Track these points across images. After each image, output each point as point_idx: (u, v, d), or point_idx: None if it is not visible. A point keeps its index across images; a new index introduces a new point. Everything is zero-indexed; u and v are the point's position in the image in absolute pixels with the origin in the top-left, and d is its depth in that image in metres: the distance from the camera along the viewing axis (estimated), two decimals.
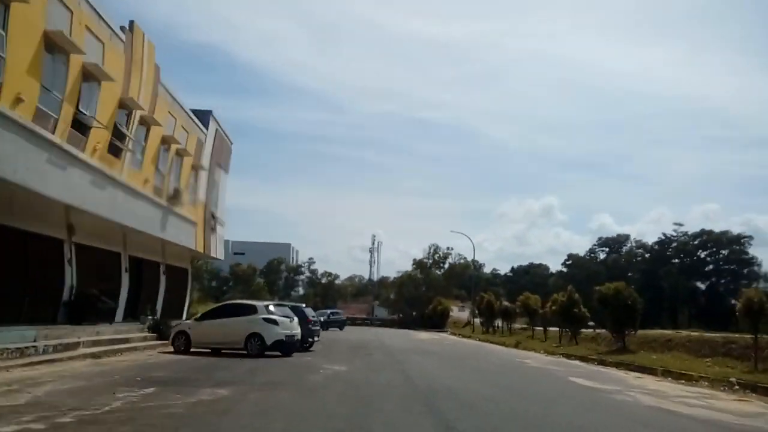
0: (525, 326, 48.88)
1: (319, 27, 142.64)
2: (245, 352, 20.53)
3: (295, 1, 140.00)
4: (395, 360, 21.98)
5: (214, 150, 33.66)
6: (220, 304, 24.15)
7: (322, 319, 54.30)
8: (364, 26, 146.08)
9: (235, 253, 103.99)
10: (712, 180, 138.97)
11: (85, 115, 18.35)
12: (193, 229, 30.53)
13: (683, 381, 17.79)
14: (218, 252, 35.72)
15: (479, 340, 47.18)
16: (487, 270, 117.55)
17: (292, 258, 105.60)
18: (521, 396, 12.81)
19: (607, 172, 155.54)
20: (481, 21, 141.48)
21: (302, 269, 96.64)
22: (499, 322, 52.48)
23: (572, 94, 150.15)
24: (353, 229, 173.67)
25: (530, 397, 12.80)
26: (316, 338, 26.60)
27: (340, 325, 57.01)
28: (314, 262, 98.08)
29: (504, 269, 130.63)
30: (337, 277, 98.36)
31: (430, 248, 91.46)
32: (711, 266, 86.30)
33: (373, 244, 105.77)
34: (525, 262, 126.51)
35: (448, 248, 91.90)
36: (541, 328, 41.86)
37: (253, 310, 21.37)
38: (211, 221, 33.95)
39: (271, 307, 21.91)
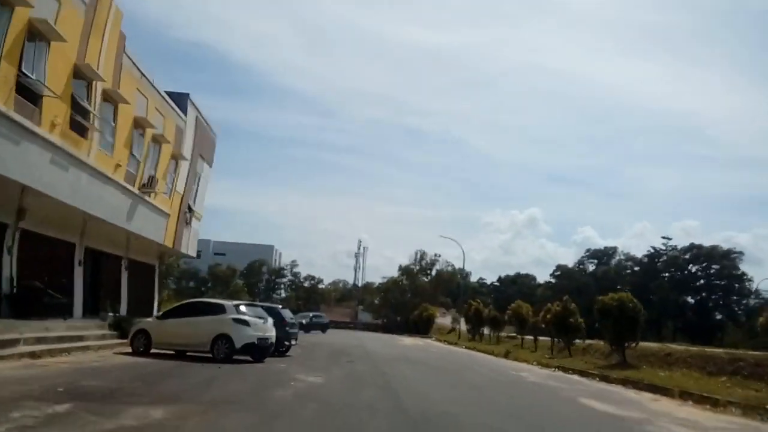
0: (512, 335, 46.73)
1: (312, 30, 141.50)
2: (211, 355, 18.02)
3: (289, 3, 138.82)
4: (379, 371, 19.46)
5: (196, 139, 31.09)
6: (186, 301, 21.56)
7: (303, 321, 51.92)
8: (357, 31, 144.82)
9: (216, 254, 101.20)
10: (694, 197, 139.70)
11: (30, 78, 15.76)
12: (164, 221, 27.92)
13: (708, 406, 15.38)
14: (190, 248, 33.04)
15: (466, 347, 44.76)
16: (473, 279, 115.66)
17: (275, 260, 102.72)
18: (538, 430, 10.37)
19: (592, 187, 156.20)
20: (474, 30, 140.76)
21: (284, 272, 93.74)
22: (485, 330, 50.28)
23: (562, 106, 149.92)
24: (339, 235, 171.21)
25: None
26: (293, 342, 24.08)
27: (323, 327, 54.46)
28: (297, 265, 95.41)
29: (490, 278, 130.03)
30: (320, 281, 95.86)
31: (416, 254, 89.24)
32: (702, 281, 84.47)
33: (359, 249, 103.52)
34: (511, 272, 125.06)
35: (435, 255, 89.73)
36: (531, 338, 39.70)
37: (221, 309, 18.86)
38: (186, 214, 31.36)
39: (242, 307, 19.40)
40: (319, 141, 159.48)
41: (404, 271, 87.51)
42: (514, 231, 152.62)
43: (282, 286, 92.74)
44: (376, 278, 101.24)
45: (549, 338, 35.76)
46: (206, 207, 34.64)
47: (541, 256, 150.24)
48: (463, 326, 66.06)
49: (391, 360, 25.26)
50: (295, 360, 20.90)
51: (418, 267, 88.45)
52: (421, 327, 72.88)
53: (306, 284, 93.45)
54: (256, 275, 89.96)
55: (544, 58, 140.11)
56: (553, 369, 27.47)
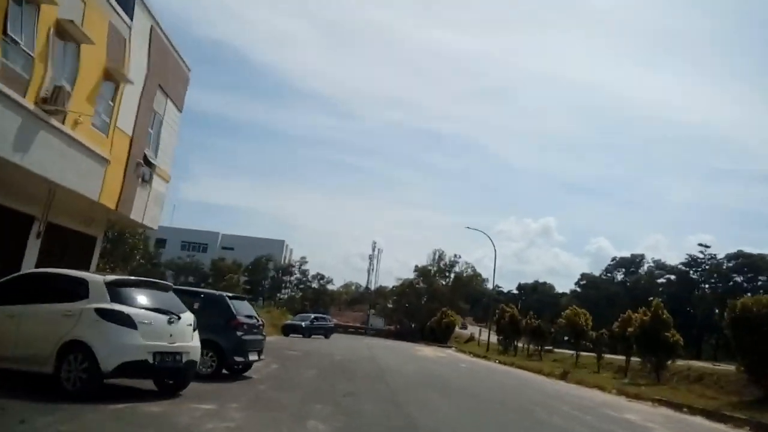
0: (548, 348, 37.08)
1: (334, 31, 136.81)
2: (65, 383, 8.33)
3: (310, 4, 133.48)
4: (402, 415, 9.81)
5: (153, 62, 21.39)
6: (21, 273, 10.75)
7: (303, 324, 42.10)
8: (378, 34, 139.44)
9: (224, 248, 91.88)
10: (709, 211, 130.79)
11: None
12: (100, 168, 18.27)
13: None
14: (149, 216, 23.20)
15: (499, 362, 34.89)
16: (488, 286, 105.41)
17: (285, 257, 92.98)
18: None
19: (608, 197, 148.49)
20: (496, 36, 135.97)
21: (292, 269, 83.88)
22: (521, 343, 40.58)
23: (581, 115, 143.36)
24: (353, 237, 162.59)
25: None
26: (255, 357, 13.75)
27: (327, 332, 44.60)
28: (306, 262, 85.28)
29: (505, 287, 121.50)
30: (330, 280, 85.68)
31: (434, 254, 79.21)
32: (749, 293, 73.53)
33: (373, 250, 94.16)
34: (526, 281, 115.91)
35: (455, 255, 79.74)
36: (588, 353, 29.95)
37: (78, 289, 8.83)
38: (141, 169, 21.63)
39: (128, 290, 9.22)
40: (337, 142, 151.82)
41: (421, 272, 77.55)
42: (528, 240, 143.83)
43: (288, 284, 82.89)
44: (389, 282, 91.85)
45: (621, 356, 26.30)
46: (169, 158, 25.03)
47: (555, 266, 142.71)
48: (482, 335, 56.39)
49: (417, 386, 15.48)
50: (247, 391, 11.24)
51: (435, 268, 78.45)
52: (440, 335, 62.95)
53: (314, 284, 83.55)
54: (261, 272, 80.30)
55: (564, 67, 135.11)
56: (652, 403, 17.77)
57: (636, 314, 26.16)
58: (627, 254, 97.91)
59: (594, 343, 28.56)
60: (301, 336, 40.40)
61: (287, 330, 40.79)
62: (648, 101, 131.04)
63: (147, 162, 22.43)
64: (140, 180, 21.92)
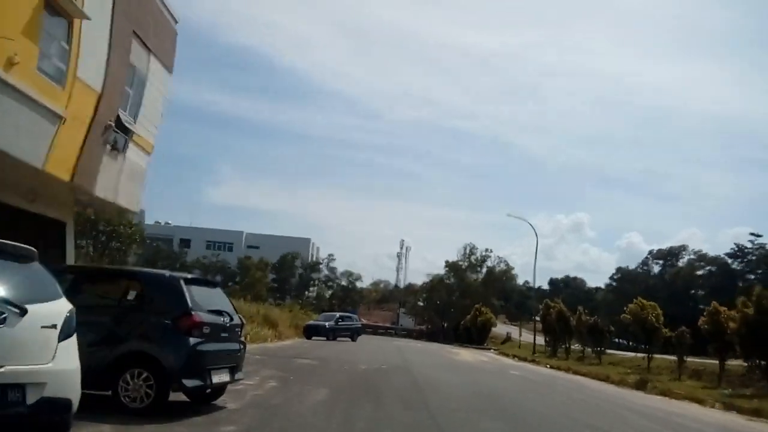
0: (606, 350, 31.62)
1: (356, 33, 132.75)
2: None
3: (333, 7, 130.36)
4: None
5: (126, 5, 16.65)
6: None
7: (327, 325, 37.13)
8: (401, 34, 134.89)
9: (249, 246, 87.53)
10: (745, 203, 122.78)
11: None
12: (50, 126, 13.54)
13: None
14: (125, 195, 18.41)
15: (551, 367, 29.53)
16: (519, 282, 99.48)
17: (312, 255, 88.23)
18: None
19: (640, 191, 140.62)
20: (519, 33, 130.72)
21: (320, 266, 78.93)
22: (573, 343, 35.19)
23: (611, 109, 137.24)
24: (381, 237, 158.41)
25: None
26: (228, 378, 8.37)
27: (353, 333, 39.34)
28: (334, 259, 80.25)
29: (534, 283, 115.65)
30: (359, 277, 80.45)
31: (465, 248, 73.46)
32: None
33: (402, 248, 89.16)
34: (555, 276, 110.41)
35: (486, 250, 74.02)
36: (660, 356, 24.55)
37: None
38: (109, 133, 16.81)
39: None
40: (363, 142, 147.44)
41: (451, 267, 72.02)
42: (558, 235, 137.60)
43: (316, 282, 77.94)
44: (418, 281, 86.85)
45: (706, 359, 20.89)
46: (152, 124, 20.37)
47: (583, 262, 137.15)
48: (521, 335, 50.98)
49: (471, 411, 10.36)
50: None
51: (467, 263, 72.91)
52: (475, 335, 57.51)
53: (343, 281, 78.58)
54: (288, 269, 75.56)
55: (591, 60, 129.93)
56: None
57: (722, 307, 20.89)
58: (663, 247, 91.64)
59: (672, 344, 23.13)
60: (324, 338, 35.49)
61: (309, 332, 35.86)
62: (678, 93, 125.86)
63: (121, 127, 17.62)
64: (109, 147, 17.02)
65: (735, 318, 19.55)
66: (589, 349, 32.01)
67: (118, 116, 17.33)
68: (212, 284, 9.19)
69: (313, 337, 35.42)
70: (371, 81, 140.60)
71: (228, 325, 8.08)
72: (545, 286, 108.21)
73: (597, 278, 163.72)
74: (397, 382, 14.27)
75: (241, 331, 8.67)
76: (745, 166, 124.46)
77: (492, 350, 49.15)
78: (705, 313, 20.67)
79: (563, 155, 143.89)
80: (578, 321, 32.50)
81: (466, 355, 34.69)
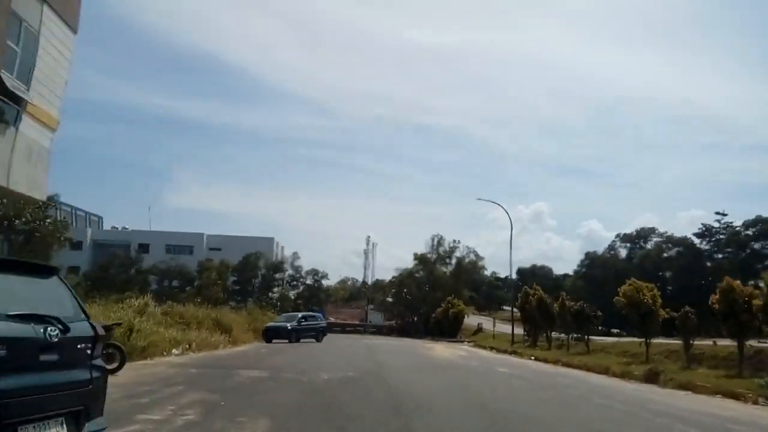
0: (577, 336, 28.71)
1: (311, 32, 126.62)
2: None
3: (285, 6, 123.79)
4: None
5: None
6: None
7: (289, 325, 33.32)
8: (356, 32, 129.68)
9: (211, 249, 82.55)
10: (699, 187, 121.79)
11: None
12: None
13: None
14: (17, 178, 14.49)
15: (536, 358, 26.37)
16: (486, 273, 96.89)
17: (276, 254, 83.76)
18: None
19: (597, 179, 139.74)
20: (474, 28, 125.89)
21: (284, 266, 74.59)
22: (557, 332, 32.09)
23: (567, 99, 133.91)
24: (347, 235, 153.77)
25: None
26: None
27: (318, 334, 35.38)
28: (299, 258, 75.82)
29: (501, 274, 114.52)
30: (325, 275, 76.17)
31: (433, 240, 70.16)
32: None
33: (368, 245, 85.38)
34: (521, 266, 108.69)
35: (454, 241, 70.88)
36: (661, 340, 21.56)
37: None
38: None
39: None
40: (323, 142, 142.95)
41: (420, 260, 68.63)
42: (520, 226, 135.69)
43: (281, 282, 73.61)
44: (386, 277, 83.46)
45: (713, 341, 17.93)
46: (55, 94, 16.36)
47: (547, 251, 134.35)
48: (495, 326, 47.96)
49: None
50: None
51: (435, 255, 69.67)
52: (448, 328, 54.30)
53: (308, 280, 74.39)
54: (251, 270, 71.13)
55: (546, 53, 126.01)
56: None
57: (737, 282, 17.93)
58: (631, 230, 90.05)
59: (674, 327, 20.03)
60: (286, 341, 31.71)
61: (268, 335, 31.93)
62: (634, 82, 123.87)
63: (7, 93, 13.72)
64: None
65: (756, 294, 16.55)
66: (571, 337, 28.99)
67: (1, 79, 13.39)
68: (39, 271, 5.17)
69: (274, 341, 31.61)
70: (328, 80, 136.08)
71: (54, 340, 4.38)
72: (513, 276, 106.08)
73: (561, 266, 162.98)
74: (369, 397, 10.70)
75: (94, 349, 4.96)
76: (697, 150, 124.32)
77: (466, 342, 46.04)
78: (717, 291, 17.65)
79: (521, 146, 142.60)
80: (561, 307, 29.35)
81: (442, 350, 31.32)
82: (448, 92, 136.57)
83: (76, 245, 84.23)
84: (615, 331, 53.98)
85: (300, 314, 36.50)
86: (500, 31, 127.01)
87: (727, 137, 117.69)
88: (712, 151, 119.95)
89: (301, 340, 33.14)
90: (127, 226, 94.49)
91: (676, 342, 24.56)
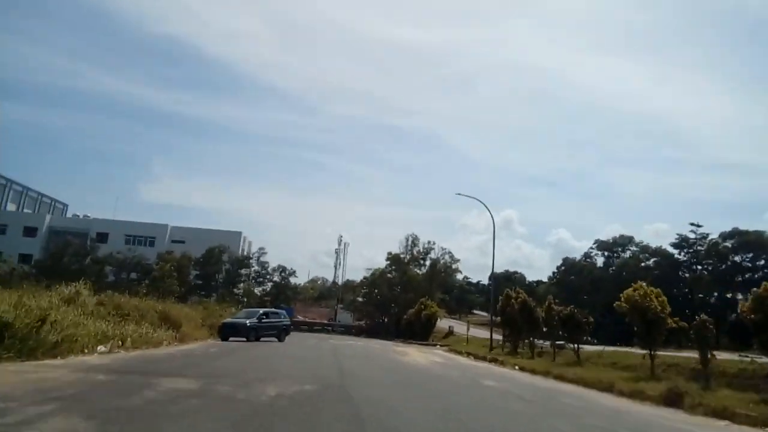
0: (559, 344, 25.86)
1: (291, 27, 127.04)
2: None
3: (269, 2, 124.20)
4: None
5: None
6: None
7: (248, 322, 29.79)
8: (336, 29, 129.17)
9: (174, 241, 78.10)
10: (663, 200, 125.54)
11: None
12: None
13: None
14: None
15: (520, 368, 23.37)
16: (458, 276, 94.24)
17: (243, 249, 79.66)
18: None
19: (566, 188, 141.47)
20: (455, 29, 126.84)
21: (250, 261, 70.58)
22: (538, 341, 29.09)
23: (541, 105, 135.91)
24: (319, 235, 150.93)
25: None
26: None
27: (279, 332, 31.69)
28: (265, 253, 71.85)
29: (474, 278, 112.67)
30: (293, 272, 72.31)
31: (407, 239, 67.24)
32: (751, 273, 63.45)
33: (340, 244, 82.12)
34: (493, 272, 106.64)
35: (429, 242, 68.04)
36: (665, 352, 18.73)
37: None
38: None
39: None
40: (299, 139, 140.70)
41: (393, 260, 65.49)
42: (491, 232, 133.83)
43: (246, 278, 69.53)
44: (357, 278, 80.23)
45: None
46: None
47: (518, 258, 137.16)
48: (469, 330, 45.04)
49: None
50: None
51: (409, 256, 66.62)
52: (419, 330, 51.23)
53: (275, 277, 70.47)
54: (215, 264, 67.04)
55: (523, 57, 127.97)
56: None
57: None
58: (586, 245, 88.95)
59: (696, 338, 17.13)
60: (244, 339, 28.24)
61: (225, 332, 28.33)
62: (606, 92, 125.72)
63: None
64: None
65: None
66: (553, 345, 26.16)
67: None
68: None
69: (231, 338, 28.11)
70: (304, 77, 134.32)
71: None
72: (484, 281, 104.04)
73: (532, 273, 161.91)
74: (325, 425, 7.48)
75: None
76: (664, 164, 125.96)
77: (439, 346, 43.00)
78: (750, 298, 14.86)
79: (495, 152, 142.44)
80: (548, 312, 26.40)
81: (415, 354, 28.16)
82: (426, 93, 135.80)
83: (30, 231, 79.91)
84: (588, 339, 51.78)
85: (261, 310, 32.76)
86: (479, 33, 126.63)
87: (690, 152, 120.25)
88: (675, 166, 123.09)
89: (262, 339, 29.68)
90: (88, 215, 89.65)
91: (670, 354, 22.01)
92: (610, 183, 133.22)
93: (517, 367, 24.04)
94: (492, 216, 38.46)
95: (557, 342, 26.83)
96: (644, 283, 19.93)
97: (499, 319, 33.63)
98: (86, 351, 15.86)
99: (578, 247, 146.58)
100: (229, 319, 30.39)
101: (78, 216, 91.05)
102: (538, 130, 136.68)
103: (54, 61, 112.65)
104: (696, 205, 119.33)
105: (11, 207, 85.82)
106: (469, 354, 31.74)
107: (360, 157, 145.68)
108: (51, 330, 14.76)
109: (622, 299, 19.85)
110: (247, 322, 29.22)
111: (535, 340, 29.21)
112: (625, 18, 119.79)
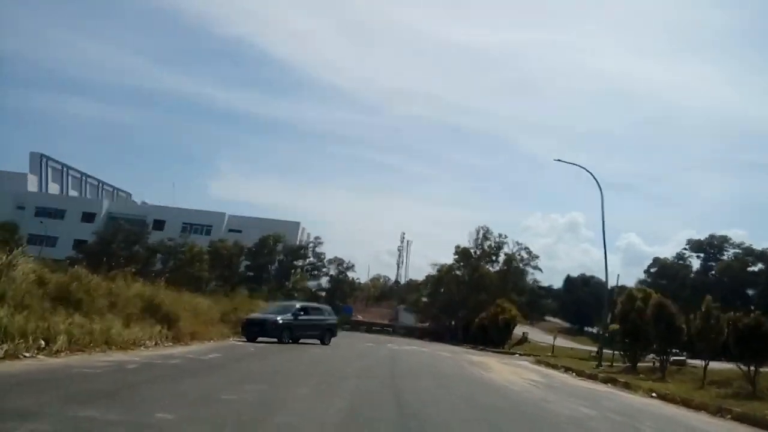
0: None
1: (354, 28, 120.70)
2: None
3: (331, 1, 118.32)
4: None
5: None
6: None
7: (280, 320, 22.66)
8: (400, 30, 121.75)
9: (231, 230, 73.16)
10: (743, 206, 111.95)
11: None
12: None
13: None
14: None
15: (663, 398, 15.46)
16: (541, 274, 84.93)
17: (301, 242, 73.70)
18: None
19: (638, 191, 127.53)
20: (520, 31, 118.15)
21: (306, 251, 63.99)
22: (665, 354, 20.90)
23: (611, 109, 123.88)
24: (381, 234, 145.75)
25: None
26: None
27: (323, 333, 24.29)
28: (321, 243, 65.11)
29: (543, 282, 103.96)
30: (351, 266, 65.21)
31: (478, 231, 58.89)
32: None
33: (402, 242, 75.71)
34: (558, 276, 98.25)
35: (500, 235, 59.55)
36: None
37: None
38: None
39: None
40: (362, 138, 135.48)
41: (462, 255, 57.48)
42: (556, 235, 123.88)
43: (300, 270, 62.97)
44: (419, 278, 73.38)
45: None
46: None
47: (585, 261, 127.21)
48: (554, 338, 36.83)
49: None
50: None
51: (480, 251, 58.44)
52: (494, 336, 43.31)
53: (332, 270, 63.68)
54: (268, 255, 61.01)
55: (593, 59, 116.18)
56: None
57: None
58: (657, 252, 78.23)
59: None
60: (275, 340, 21.41)
61: (249, 330, 21.48)
62: (677, 94, 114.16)
63: None
64: None
65: None
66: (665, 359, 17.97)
67: None
68: None
69: (259, 339, 21.36)
70: (369, 77, 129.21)
71: None
72: (557, 285, 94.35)
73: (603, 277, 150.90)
74: None
75: None
76: (741, 168, 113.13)
77: (518, 355, 35.17)
78: None
79: (562, 154, 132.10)
80: (704, 320, 18.07)
81: (500, 369, 20.55)
82: (491, 94, 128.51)
83: (88, 217, 76.93)
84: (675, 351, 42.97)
85: (298, 304, 25.46)
86: (546, 34, 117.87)
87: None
88: (755, 170, 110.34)
89: (300, 341, 22.85)
90: (146, 201, 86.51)
91: None
92: (686, 187, 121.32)
93: (654, 395, 16.19)
94: (599, 185, 30.13)
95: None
96: None
97: (615, 326, 25.39)
98: None
99: (649, 252, 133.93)
100: (256, 315, 23.30)
101: (136, 203, 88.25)
102: (608, 133, 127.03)
103: (124, 60, 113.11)
104: None
105: (73, 194, 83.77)
106: (567, 369, 23.82)
107: (422, 157, 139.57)
108: None
109: None
110: (279, 318, 22.08)
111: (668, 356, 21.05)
112: (697, 19, 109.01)
